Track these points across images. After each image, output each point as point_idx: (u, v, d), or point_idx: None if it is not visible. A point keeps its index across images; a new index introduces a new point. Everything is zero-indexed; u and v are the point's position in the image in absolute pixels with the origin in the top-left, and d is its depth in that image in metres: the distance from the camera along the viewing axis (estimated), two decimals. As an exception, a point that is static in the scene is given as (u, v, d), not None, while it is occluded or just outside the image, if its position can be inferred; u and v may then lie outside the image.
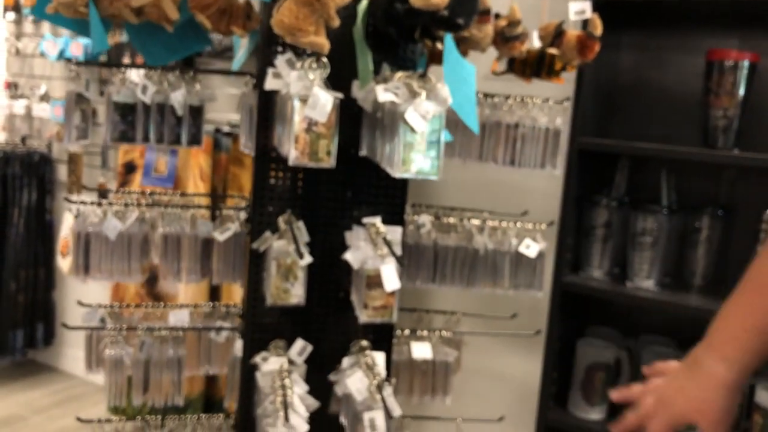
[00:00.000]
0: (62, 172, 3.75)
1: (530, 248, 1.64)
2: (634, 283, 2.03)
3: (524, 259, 1.66)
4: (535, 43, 1.62)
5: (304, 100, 1.14)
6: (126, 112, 1.46)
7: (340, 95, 1.19)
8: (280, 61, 1.27)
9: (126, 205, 1.52)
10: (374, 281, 1.35)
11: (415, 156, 1.12)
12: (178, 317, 1.66)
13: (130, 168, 2.96)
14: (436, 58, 1.46)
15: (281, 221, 1.45)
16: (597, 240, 2.10)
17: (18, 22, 3.82)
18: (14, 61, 3.85)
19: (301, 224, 1.46)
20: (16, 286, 3.65)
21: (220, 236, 1.54)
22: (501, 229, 1.66)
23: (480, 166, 1.82)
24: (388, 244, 1.36)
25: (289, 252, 1.40)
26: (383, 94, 1.15)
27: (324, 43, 1.17)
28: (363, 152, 1.43)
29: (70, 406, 3.48)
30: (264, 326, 1.52)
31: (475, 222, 1.64)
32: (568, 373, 2.13)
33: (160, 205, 1.54)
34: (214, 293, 2.82)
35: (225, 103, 2.86)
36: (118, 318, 1.66)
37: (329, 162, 1.19)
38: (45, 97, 3.69)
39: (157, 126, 1.47)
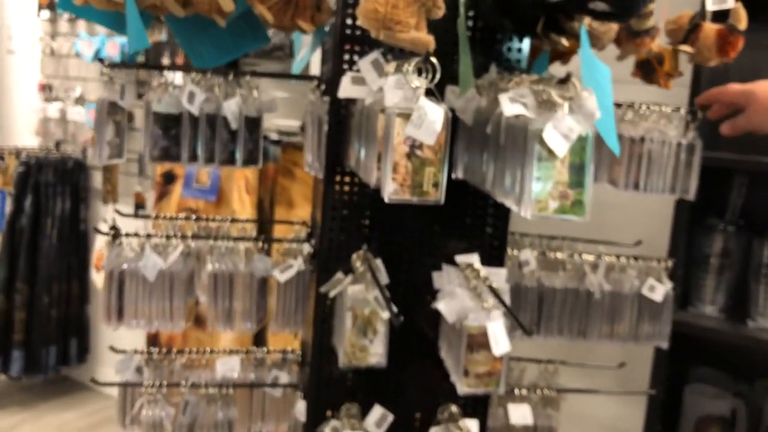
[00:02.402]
0: (97, 180, 3.53)
1: (655, 291, 1.34)
2: (757, 323, 1.72)
3: (647, 302, 1.36)
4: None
5: (404, 116, 0.86)
6: (169, 124, 1.20)
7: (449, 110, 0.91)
8: (364, 63, 0.99)
9: (167, 237, 1.25)
10: (477, 341, 1.07)
11: (553, 190, 0.84)
12: (227, 366, 1.40)
13: (169, 178, 2.72)
14: (555, 57, 1.18)
15: (357, 260, 1.18)
16: (711, 271, 1.78)
17: (53, 20, 3.62)
18: (49, 62, 3.65)
19: (379, 263, 1.19)
20: (48, 300, 3.45)
21: (281, 276, 1.27)
22: (619, 266, 1.36)
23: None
24: (495, 293, 1.07)
25: (367, 300, 1.13)
26: (510, 106, 0.86)
27: (428, 40, 0.89)
28: (458, 175, 1.15)
29: (106, 429, 3.26)
30: (331, 385, 1.26)
31: (588, 257, 1.34)
32: (673, 425, 1.83)
33: (208, 237, 1.27)
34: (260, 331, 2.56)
35: (272, 107, 2.60)
36: (157, 366, 1.40)
37: (437, 196, 0.91)
38: (80, 100, 3.48)
39: (206, 142, 1.20)
